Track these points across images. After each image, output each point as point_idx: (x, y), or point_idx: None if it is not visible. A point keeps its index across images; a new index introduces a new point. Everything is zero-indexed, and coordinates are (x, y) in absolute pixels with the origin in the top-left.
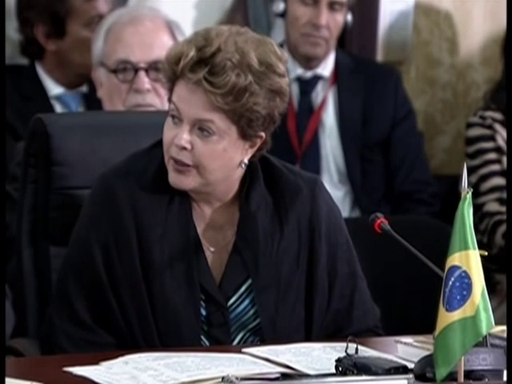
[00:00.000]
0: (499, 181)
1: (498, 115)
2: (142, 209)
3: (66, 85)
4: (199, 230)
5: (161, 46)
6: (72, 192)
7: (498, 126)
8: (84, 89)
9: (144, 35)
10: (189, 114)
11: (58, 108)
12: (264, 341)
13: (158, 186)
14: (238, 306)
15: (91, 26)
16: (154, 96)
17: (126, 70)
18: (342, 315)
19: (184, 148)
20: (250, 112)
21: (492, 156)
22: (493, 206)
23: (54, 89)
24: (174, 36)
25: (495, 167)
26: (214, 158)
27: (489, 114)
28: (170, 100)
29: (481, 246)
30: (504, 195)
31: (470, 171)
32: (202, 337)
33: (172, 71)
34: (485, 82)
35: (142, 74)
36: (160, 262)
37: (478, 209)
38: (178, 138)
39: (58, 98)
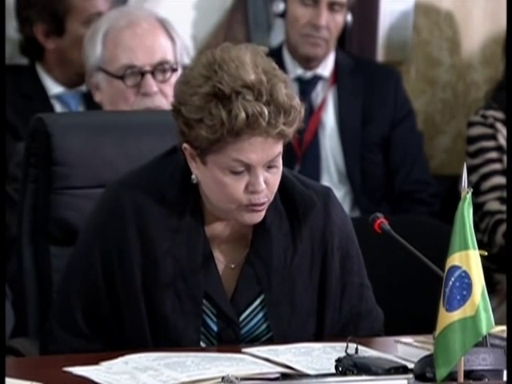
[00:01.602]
0: (500, 180)
1: (500, 114)
2: (149, 223)
3: (65, 84)
4: (212, 243)
5: (161, 48)
6: (72, 192)
7: (499, 125)
8: (84, 88)
9: (142, 37)
10: (262, 160)
11: (58, 107)
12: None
13: (167, 200)
14: (251, 320)
15: (90, 24)
16: (161, 97)
17: (132, 74)
18: (350, 327)
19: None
20: (298, 127)
21: (493, 155)
22: (493, 205)
23: (53, 88)
24: (169, 34)
25: (496, 166)
26: (279, 180)
27: (490, 113)
28: (204, 160)
29: (481, 246)
30: (505, 194)
31: (471, 170)
32: None
33: (235, 132)
34: (485, 82)
35: (148, 77)
36: (166, 277)
37: (478, 208)
38: (258, 185)
39: (58, 97)
